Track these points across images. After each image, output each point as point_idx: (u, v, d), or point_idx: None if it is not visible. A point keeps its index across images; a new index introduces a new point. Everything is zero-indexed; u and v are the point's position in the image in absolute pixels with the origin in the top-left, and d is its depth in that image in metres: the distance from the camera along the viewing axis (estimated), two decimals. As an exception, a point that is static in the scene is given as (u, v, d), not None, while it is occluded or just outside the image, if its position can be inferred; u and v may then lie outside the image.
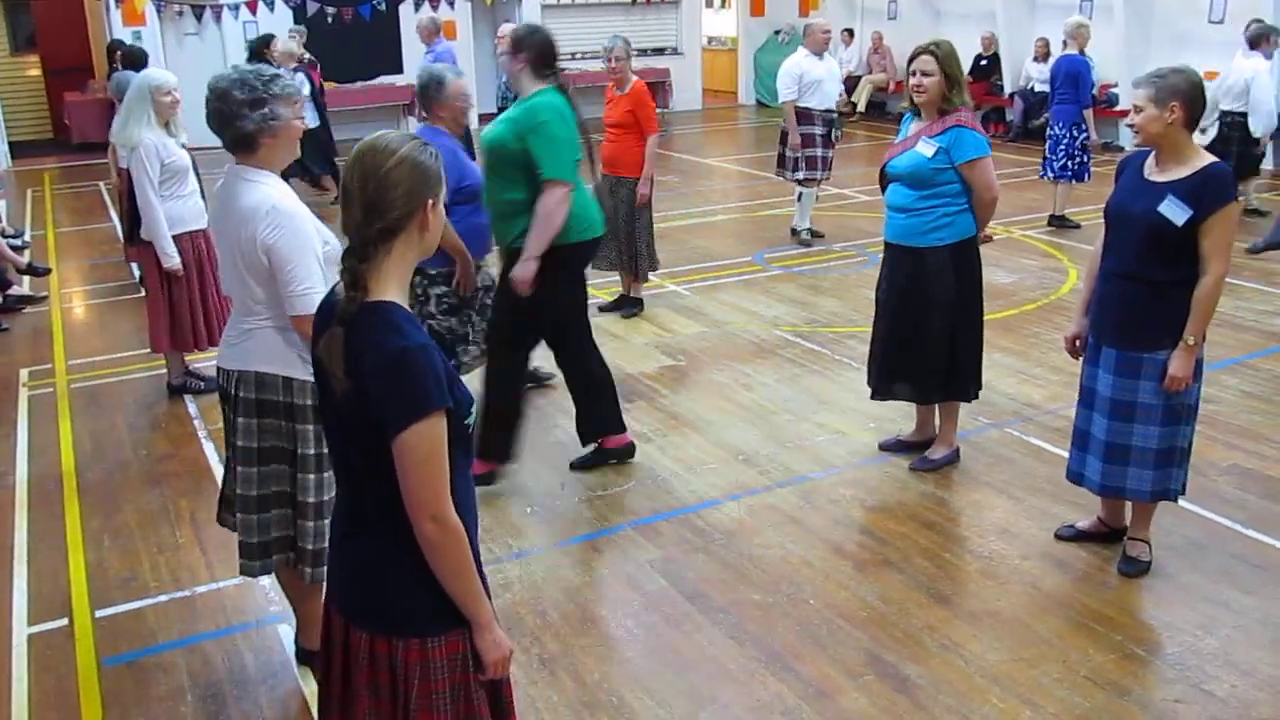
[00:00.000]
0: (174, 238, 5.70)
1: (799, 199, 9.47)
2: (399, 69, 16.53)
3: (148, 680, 3.69)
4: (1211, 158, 3.80)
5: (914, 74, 4.60)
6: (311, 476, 3.33)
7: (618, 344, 6.90)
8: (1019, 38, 15.41)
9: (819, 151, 9.14)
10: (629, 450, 5.18)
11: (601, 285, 8.07)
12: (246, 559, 3.45)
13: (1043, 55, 14.54)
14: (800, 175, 9.17)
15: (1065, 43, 9.81)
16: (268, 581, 4.26)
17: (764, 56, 19.08)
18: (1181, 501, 4.69)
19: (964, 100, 4.62)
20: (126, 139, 5.72)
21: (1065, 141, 9.70)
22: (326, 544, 3.08)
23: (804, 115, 9.02)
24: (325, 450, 3.23)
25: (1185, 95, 3.70)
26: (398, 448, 2.03)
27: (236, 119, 3.15)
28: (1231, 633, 3.83)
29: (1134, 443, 3.94)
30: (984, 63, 15.86)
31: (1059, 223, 9.87)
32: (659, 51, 18.84)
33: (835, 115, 9.26)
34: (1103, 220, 4.04)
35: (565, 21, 18.05)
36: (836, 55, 11.10)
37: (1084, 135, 9.66)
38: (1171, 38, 13.61)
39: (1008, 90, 15.54)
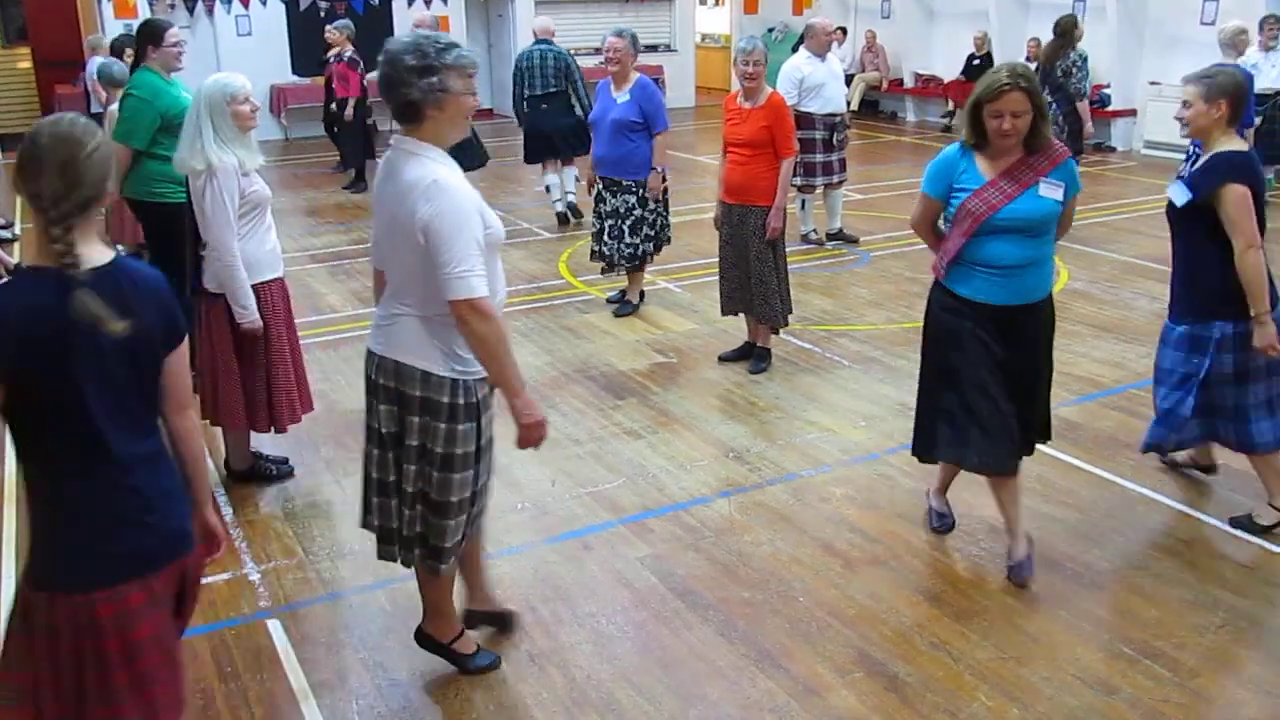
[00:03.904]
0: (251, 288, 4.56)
1: (801, 206, 9.37)
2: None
3: (136, 675, 3.68)
4: (1233, 146, 4.21)
5: (998, 116, 3.81)
6: (455, 476, 3.24)
7: (609, 340, 6.90)
8: (1012, 37, 15.42)
9: (818, 157, 8.94)
10: None
11: (597, 282, 8.07)
12: (384, 544, 3.43)
13: (1035, 54, 14.56)
14: (798, 181, 8.88)
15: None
16: (257, 577, 4.26)
17: (757, 54, 19.06)
18: (1172, 501, 4.72)
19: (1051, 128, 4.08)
20: (196, 164, 4.39)
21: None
22: (459, 539, 3.37)
23: (804, 120, 8.68)
24: (467, 449, 3.23)
25: (1231, 94, 4.17)
26: (178, 354, 2.53)
27: (403, 85, 2.99)
28: (1220, 632, 3.84)
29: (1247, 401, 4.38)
30: (976, 62, 15.86)
31: None
32: (652, 49, 18.81)
33: (838, 119, 9.03)
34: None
35: (560, 17, 18.02)
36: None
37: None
38: (1164, 39, 13.66)
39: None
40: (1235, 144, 4.24)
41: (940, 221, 4.17)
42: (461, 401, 3.18)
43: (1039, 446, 5.18)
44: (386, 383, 3.21)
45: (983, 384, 4.04)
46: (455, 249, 2.94)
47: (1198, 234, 4.29)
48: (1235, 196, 4.13)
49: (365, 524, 3.49)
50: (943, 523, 4.57)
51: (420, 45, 3.00)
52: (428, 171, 3.00)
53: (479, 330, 2.99)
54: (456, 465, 3.23)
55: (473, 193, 3.05)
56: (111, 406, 2.36)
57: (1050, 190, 3.93)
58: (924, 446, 4.33)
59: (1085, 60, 9.68)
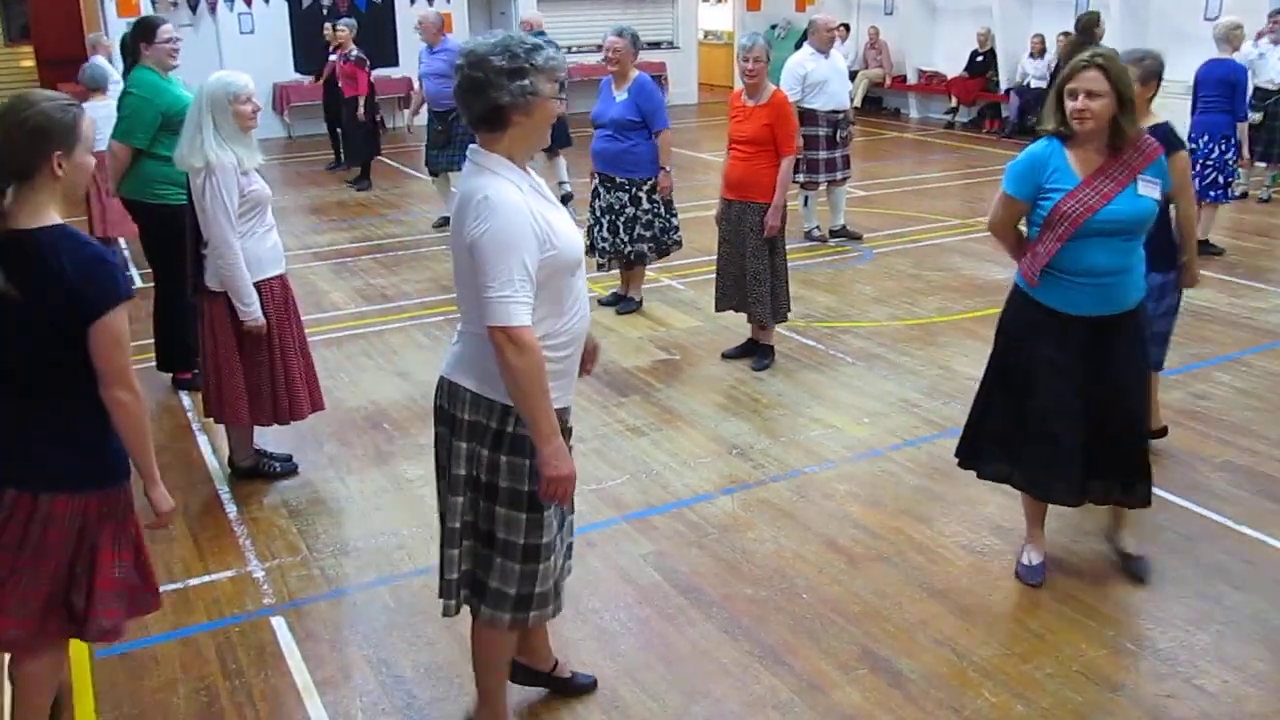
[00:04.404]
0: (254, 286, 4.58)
1: (804, 203, 9.37)
2: (395, 62, 16.49)
3: (140, 672, 3.68)
4: (1156, 120, 4.43)
5: (1074, 96, 3.61)
6: (523, 516, 2.92)
7: (613, 338, 6.90)
8: (1015, 33, 15.42)
9: (821, 154, 8.92)
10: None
11: (600, 279, 8.08)
12: (444, 597, 3.04)
13: (1038, 51, 14.56)
14: (800, 178, 8.88)
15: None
16: (261, 574, 4.26)
17: (760, 51, 19.05)
18: (1173, 497, 4.72)
19: (1139, 121, 3.80)
20: (195, 161, 4.42)
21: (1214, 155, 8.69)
22: (535, 590, 2.99)
23: (808, 116, 8.70)
24: (530, 487, 2.89)
25: (1157, 76, 4.49)
26: (99, 330, 2.72)
27: (491, 89, 2.72)
28: (1223, 628, 3.84)
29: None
30: (980, 59, 15.88)
31: None
32: (655, 45, 18.81)
33: (841, 116, 9.00)
34: None
35: (562, 14, 18.04)
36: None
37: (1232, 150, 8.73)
38: (1167, 34, 13.62)
39: (1003, 86, 15.55)
40: (1156, 117, 4.50)
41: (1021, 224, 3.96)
42: (511, 430, 2.88)
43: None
44: (441, 403, 2.99)
45: (1049, 409, 3.82)
46: (497, 271, 2.70)
47: None
48: (1183, 163, 4.45)
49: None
50: (1031, 575, 4.15)
51: (509, 45, 2.74)
52: (482, 185, 2.77)
53: (513, 362, 2.72)
54: (499, 499, 2.92)
55: (529, 211, 2.75)
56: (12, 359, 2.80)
57: (1148, 188, 3.68)
58: (969, 456, 4.17)
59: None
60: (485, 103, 2.75)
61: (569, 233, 2.85)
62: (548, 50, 2.78)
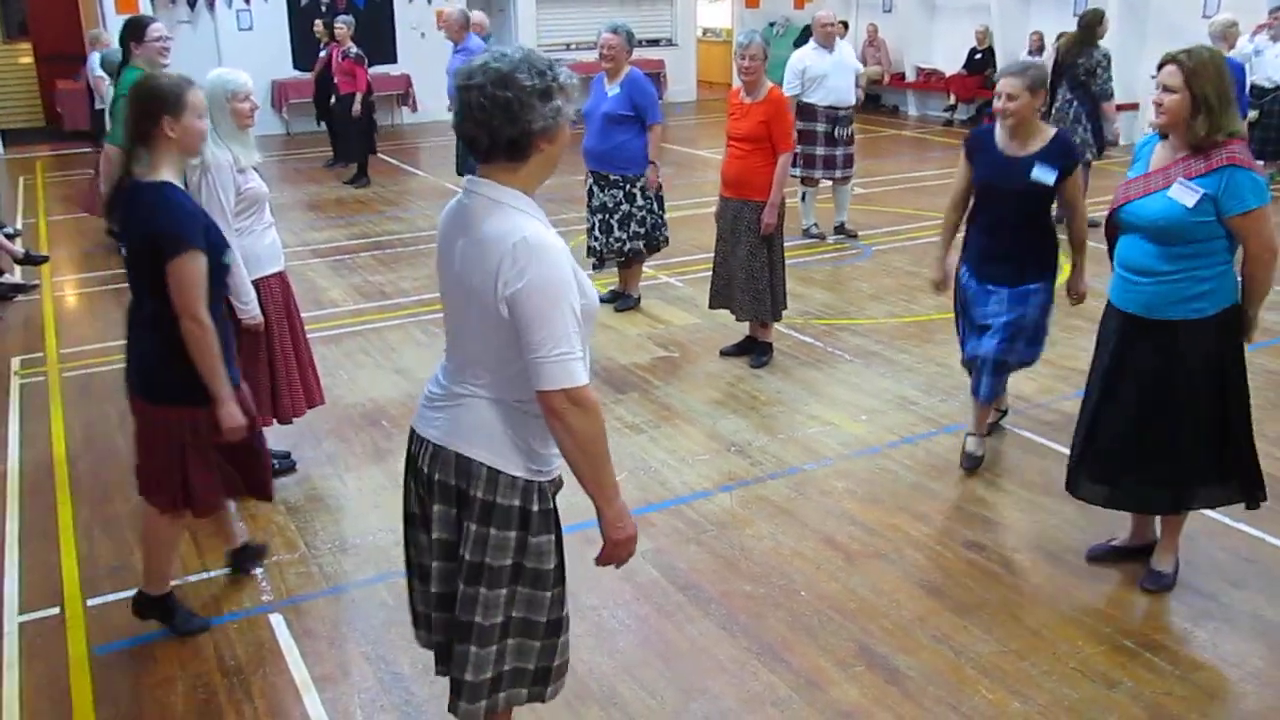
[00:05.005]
0: (252, 284, 4.55)
1: (802, 198, 9.37)
2: (393, 59, 16.49)
3: (139, 669, 3.69)
4: (1050, 129, 4.72)
5: (1159, 87, 3.62)
6: (548, 594, 2.65)
7: (611, 335, 6.90)
8: (1013, 31, 15.42)
9: (818, 150, 8.94)
10: None
11: (597, 278, 8.07)
12: (439, 664, 2.79)
13: (1037, 48, 14.55)
14: (798, 173, 8.94)
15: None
16: (259, 571, 4.26)
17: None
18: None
19: (1231, 128, 3.56)
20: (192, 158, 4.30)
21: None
22: (489, 675, 2.64)
23: (806, 111, 8.78)
24: (548, 566, 2.64)
25: (1045, 83, 4.71)
26: (172, 269, 3.31)
27: (525, 111, 2.34)
28: (1220, 625, 3.84)
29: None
30: (978, 56, 15.89)
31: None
32: (654, 43, 18.82)
33: (841, 113, 9.00)
34: (980, 193, 4.82)
35: (560, 11, 18.05)
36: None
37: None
38: (1166, 32, 13.63)
39: (1002, 84, 15.53)
40: (1050, 127, 4.79)
41: None
42: (535, 508, 2.57)
43: (1040, 440, 5.15)
44: (445, 479, 2.56)
45: (1096, 398, 3.90)
46: (552, 328, 2.33)
47: (1039, 206, 4.71)
48: (1079, 171, 4.77)
49: (423, 641, 2.84)
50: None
51: (532, 62, 2.36)
52: (515, 226, 2.37)
53: (579, 426, 2.42)
54: (522, 579, 2.61)
55: (567, 252, 2.42)
56: (130, 278, 3.53)
57: (1182, 194, 3.55)
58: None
59: (1109, 60, 9.36)
60: (517, 128, 2.35)
61: (585, 277, 2.50)
62: (564, 67, 2.44)
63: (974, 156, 4.82)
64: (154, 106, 3.36)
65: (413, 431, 2.67)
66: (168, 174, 3.40)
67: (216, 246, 3.46)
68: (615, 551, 2.63)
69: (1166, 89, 3.56)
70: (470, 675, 2.60)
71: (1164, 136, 3.72)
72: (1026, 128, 4.63)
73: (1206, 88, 3.50)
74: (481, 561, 2.55)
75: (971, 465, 5.02)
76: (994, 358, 4.81)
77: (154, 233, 3.32)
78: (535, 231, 2.37)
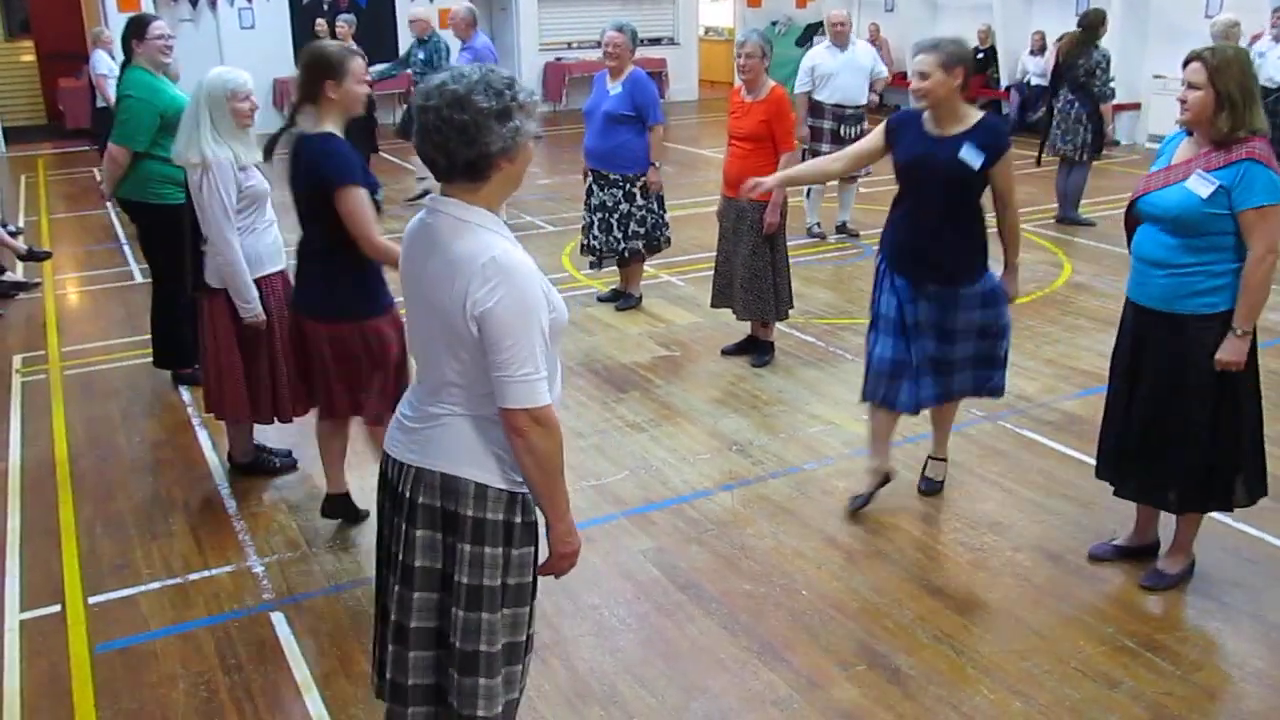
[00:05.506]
0: (254, 282, 4.60)
1: (806, 195, 9.36)
2: (394, 58, 16.46)
3: (140, 667, 3.69)
4: (980, 112, 4.29)
5: (1183, 84, 3.64)
6: (526, 610, 2.63)
7: (612, 334, 6.90)
8: (1015, 31, 15.41)
9: (823, 148, 8.84)
10: None
11: (598, 275, 8.07)
12: (394, 702, 2.65)
13: (1039, 48, 14.55)
14: None
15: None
16: (260, 569, 4.27)
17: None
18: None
19: (1255, 125, 3.57)
20: (192, 156, 4.43)
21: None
22: (510, 698, 2.65)
23: (815, 108, 8.88)
24: (523, 580, 2.60)
25: (966, 61, 4.18)
26: (338, 202, 3.97)
27: (483, 134, 2.32)
28: (1222, 626, 3.84)
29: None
30: (980, 56, 15.87)
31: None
32: (655, 42, 18.81)
33: (849, 112, 8.97)
34: (903, 177, 4.39)
35: (561, 10, 18.04)
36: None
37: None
38: (1167, 32, 13.64)
39: (1004, 83, 15.54)
40: (976, 110, 4.33)
41: None
42: (519, 520, 2.55)
43: (1041, 439, 5.12)
44: (430, 501, 2.52)
45: (1112, 392, 4.01)
46: (518, 348, 2.34)
47: (971, 197, 4.30)
48: (1010, 158, 4.26)
49: (380, 691, 2.74)
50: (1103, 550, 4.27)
51: (490, 82, 2.34)
52: (484, 245, 2.36)
53: (539, 445, 2.41)
54: (506, 599, 2.57)
55: (536, 271, 2.41)
56: (302, 216, 4.22)
57: (1198, 185, 3.58)
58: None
59: (1109, 61, 9.36)
60: (475, 150, 2.34)
61: (555, 293, 2.50)
62: (521, 85, 2.42)
63: (895, 138, 4.39)
64: (320, 71, 3.93)
65: (387, 458, 2.62)
66: (330, 126, 4.00)
67: (371, 185, 4.05)
68: (560, 564, 2.64)
69: (1191, 86, 3.58)
70: (483, 710, 2.55)
71: (1189, 133, 3.74)
72: (947, 109, 4.19)
73: (1230, 85, 3.52)
74: (480, 585, 2.52)
75: (858, 506, 4.66)
76: (955, 392, 4.58)
77: (322, 175, 3.92)
78: (504, 250, 2.36)
